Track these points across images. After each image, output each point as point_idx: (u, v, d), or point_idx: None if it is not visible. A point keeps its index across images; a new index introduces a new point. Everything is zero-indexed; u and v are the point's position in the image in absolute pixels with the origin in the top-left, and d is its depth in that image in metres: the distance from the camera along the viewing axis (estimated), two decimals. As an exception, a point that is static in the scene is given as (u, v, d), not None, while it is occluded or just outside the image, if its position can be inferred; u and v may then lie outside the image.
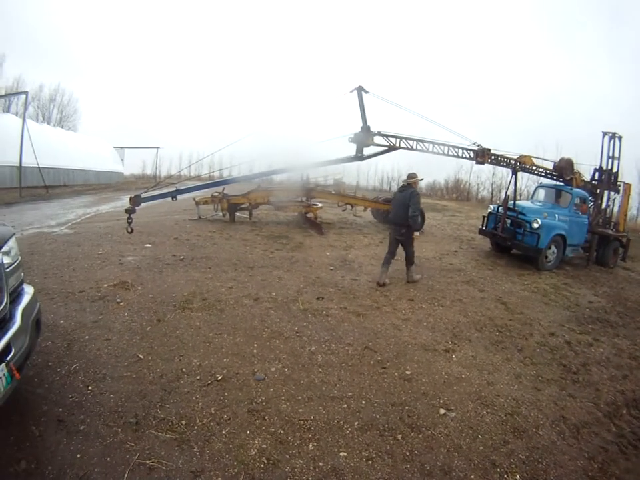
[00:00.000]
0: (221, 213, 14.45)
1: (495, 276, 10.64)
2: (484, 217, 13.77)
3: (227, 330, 5.74)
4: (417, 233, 9.03)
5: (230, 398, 4.26)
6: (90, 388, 4.18)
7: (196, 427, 3.78)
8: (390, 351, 5.71)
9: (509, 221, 12.41)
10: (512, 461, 3.90)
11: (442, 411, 4.52)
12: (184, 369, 4.69)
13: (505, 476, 3.70)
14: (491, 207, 13.94)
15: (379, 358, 5.48)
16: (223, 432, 3.77)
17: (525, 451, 4.06)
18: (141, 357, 4.86)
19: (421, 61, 73.23)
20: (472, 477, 3.62)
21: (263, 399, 4.30)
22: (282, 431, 3.85)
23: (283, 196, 15.04)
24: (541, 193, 14.30)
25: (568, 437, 4.44)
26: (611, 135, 14.47)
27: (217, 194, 14.13)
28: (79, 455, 3.31)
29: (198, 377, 4.57)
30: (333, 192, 16.49)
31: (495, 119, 49.44)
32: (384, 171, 49.48)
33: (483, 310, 7.92)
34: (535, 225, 11.50)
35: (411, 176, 9.02)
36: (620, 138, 14.50)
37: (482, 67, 71.64)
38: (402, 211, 8.58)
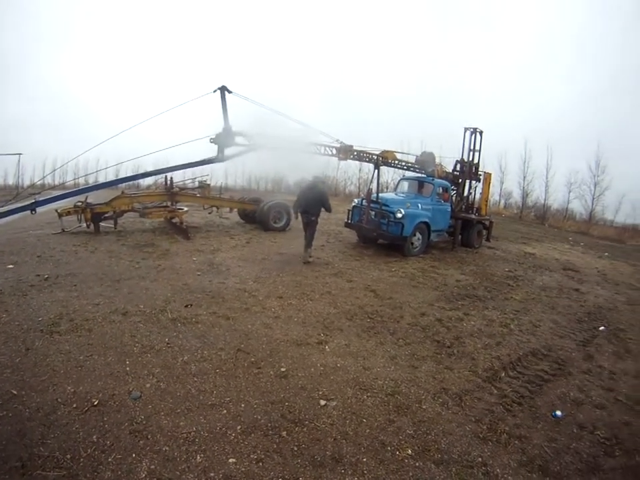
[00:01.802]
0: (85, 224, 12.89)
1: (362, 266, 10.72)
2: (349, 210, 13.86)
3: (97, 350, 5.24)
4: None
5: (110, 422, 3.93)
6: (-32, 437, 3.64)
7: (82, 459, 3.43)
8: (263, 351, 5.54)
9: (373, 213, 12.59)
10: (400, 437, 3.96)
11: (322, 402, 4.46)
12: (59, 399, 4.22)
13: (397, 452, 3.75)
14: (355, 200, 14.11)
15: (253, 359, 5.30)
16: (109, 459, 3.46)
17: (411, 426, 4.15)
18: (15, 392, 4.30)
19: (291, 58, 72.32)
20: (364, 459, 3.63)
21: (143, 417, 4.02)
22: (167, 448, 3.63)
23: (147, 202, 14.12)
24: (405, 185, 14.89)
25: (452, 406, 4.60)
26: (472, 130, 15.53)
27: (79, 203, 12.64)
28: (-28, 517, 2.97)
29: (74, 405, 4.14)
30: (199, 195, 15.96)
31: (364, 117, 50.44)
32: (251, 171, 49.19)
33: (353, 299, 7.91)
34: (399, 215, 11.84)
35: (318, 177, 11.48)
36: (481, 133, 15.56)
37: (349, 65, 72.36)
38: (313, 204, 10.58)
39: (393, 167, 14.73)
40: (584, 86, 56.93)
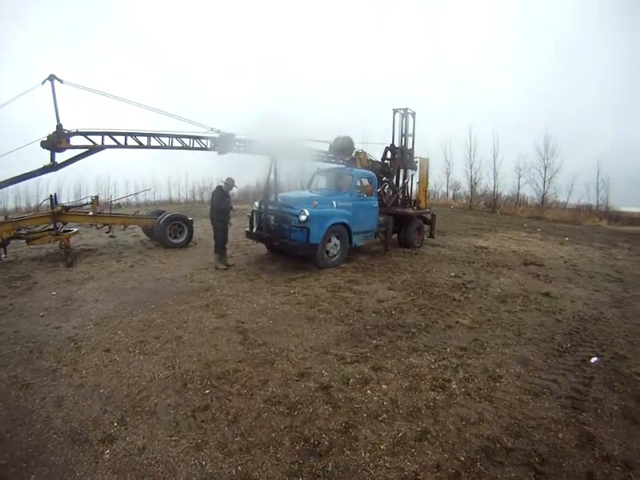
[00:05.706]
0: None
1: (252, 289, 8.26)
2: (249, 216, 11.43)
3: None
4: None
5: None
6: None
7: None
8: (23, 449, 3.62)
9: (272, 217, 10.40)
10: None
11: None
12: None
13: None
14: (255, 203, 11.47)
15: (-1, 465, 3.48)
16: None
17: None
18: None
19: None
20: None
21: None
22: None
23: (32, 225, 12.26)
24: (321, 180, 12.45)
25: None
26: (402, 111, 13.74)
27: None
28: None
29: None
30: (91, 213, 13.99)
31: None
32: (195, 182, 47.15)
33: (206, 349, 5.47)
34: (303, 218, 9.52)
35: (225, 181, 10.36)
36: (413, 114, 13.82)
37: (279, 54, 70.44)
38: (217, 209, 10.14)
39: (295, 158, 12.29)
40: (527, 72, 57.26)
